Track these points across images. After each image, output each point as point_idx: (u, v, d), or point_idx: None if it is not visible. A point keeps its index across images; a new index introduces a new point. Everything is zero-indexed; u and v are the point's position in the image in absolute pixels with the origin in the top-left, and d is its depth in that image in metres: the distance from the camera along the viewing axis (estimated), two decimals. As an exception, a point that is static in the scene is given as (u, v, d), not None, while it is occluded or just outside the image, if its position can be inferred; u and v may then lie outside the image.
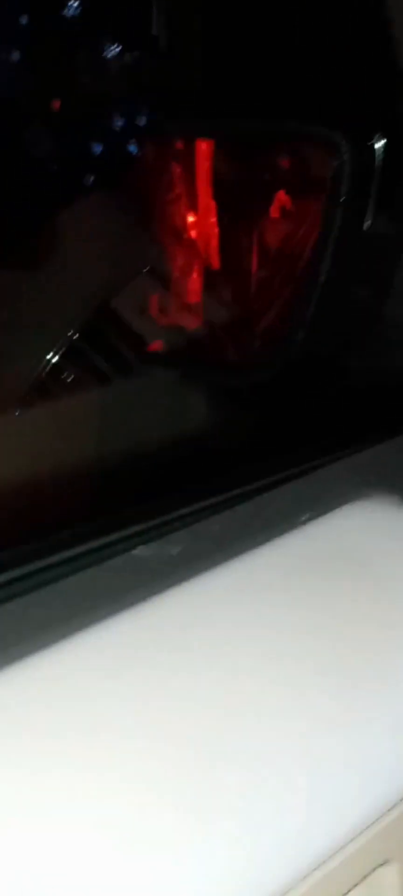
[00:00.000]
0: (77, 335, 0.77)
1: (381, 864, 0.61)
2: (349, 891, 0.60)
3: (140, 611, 0.58)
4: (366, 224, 0.86)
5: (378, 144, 0.86)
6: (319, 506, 0.71)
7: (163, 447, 0.71)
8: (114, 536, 0.61)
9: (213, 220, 0.88)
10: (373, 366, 0.87)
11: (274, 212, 0.89)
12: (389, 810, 0.61)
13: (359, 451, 0.76)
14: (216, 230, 0.89)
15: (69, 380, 0.74)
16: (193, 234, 0.88)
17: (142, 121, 0.85)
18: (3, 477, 0.63)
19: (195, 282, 0.90)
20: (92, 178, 0.81)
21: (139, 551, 0.61)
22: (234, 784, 0.52)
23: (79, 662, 0.54)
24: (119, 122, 0.83)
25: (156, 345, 0.86)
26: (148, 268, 0.86)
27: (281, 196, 0.88)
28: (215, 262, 0.89)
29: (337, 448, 0.76)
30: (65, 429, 0.68)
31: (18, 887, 0.44)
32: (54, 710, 0.51)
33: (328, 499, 0.71)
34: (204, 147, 0.87)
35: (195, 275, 0.89)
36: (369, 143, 0.85)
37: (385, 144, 0.86)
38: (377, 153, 0.86)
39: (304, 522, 0.68)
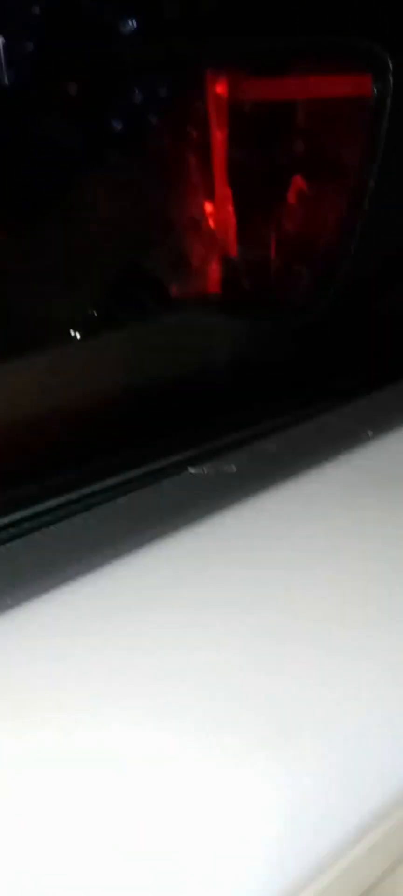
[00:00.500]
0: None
1: None
2: None
3: (198, 528, 0.53)
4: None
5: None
6: (383, 424, 0.66)
7: (213, 376, 0.68)
8: (169, 460, 0.57)
9: (247, 157, 0.85)
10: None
11: (312, 141, 0.85)
12: None
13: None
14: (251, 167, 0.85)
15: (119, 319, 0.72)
16: (223, 173, 0.85)
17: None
18: (75, 397, 0.61)
19: (231, 227, 0.86)
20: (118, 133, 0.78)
21: (195, 470, 0.57)
22: (321, 700, 0.47)
23: (142, 576, 0.51)
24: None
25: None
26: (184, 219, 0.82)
27: (321, 118, 0.84)
28: (253, 202, 0.86)
29: (394, 370, 0.72)
30: (118, 363, 0.65)
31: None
32: (125, 619, 0.48)
33: (391, 417, 0.67)
34: (231, 76, 0.83)
35: (230, 219, 0.86)
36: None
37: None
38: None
39: (368, 439, 0.64)
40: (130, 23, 0.73)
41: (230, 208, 0.84)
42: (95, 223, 0.77)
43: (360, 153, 0.81)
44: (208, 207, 0.85)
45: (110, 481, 0.55)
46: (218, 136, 0.84)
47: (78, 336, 0.68)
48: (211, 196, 0.86)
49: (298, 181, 0.84)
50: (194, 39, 0.80)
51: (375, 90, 0.80)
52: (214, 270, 0.86)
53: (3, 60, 0.67)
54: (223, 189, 0.86)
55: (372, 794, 0.48)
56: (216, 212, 0.85)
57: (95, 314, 0.71)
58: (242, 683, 0.46)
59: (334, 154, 0.84)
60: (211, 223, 0.84)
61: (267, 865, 0.42)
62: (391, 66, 0.79)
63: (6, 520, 0.52)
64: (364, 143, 0.80)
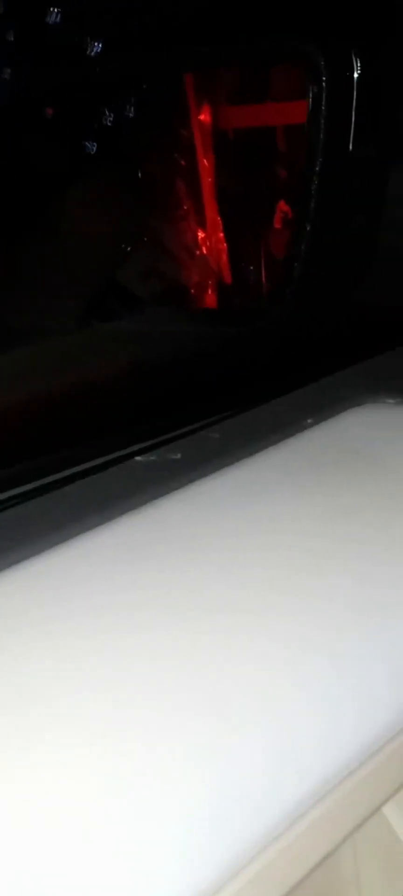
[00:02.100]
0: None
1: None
2: (388, 797, 0.56)
3: (142, 512, 0.54)
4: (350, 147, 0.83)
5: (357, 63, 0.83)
6: (322, 412, 0.67)
7: (160, 375, 0.69)
8: (119, 452, 0.58)
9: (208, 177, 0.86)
10: (371, 291, 0.85)
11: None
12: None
13: (359, 362, 0.73)
14: (210, 183, 0.86)
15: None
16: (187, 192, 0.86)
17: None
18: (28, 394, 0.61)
19: (194, 240, 0.87)
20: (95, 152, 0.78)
21: (142, 458, 0.57)
22: (255, 682, 0.47)
23: (86, 559, 0.51)
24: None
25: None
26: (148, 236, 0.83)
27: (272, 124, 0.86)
28: (211, 216, 0.86)
29: (337, 361, 0.73)
30: (75, 363, 0.66)
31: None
32: (61, 604, 0.48)
33: (331, 405, 0.68)
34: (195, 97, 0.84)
35: (195, 233, 0.87)
36: (348, 61, 0.83)
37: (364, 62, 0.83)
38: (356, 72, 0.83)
39: (308, 427, 0.65)
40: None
41: (195, 223, 0.85)
42: (71, 239, 0.77)
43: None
44: (180, 223, 0.85)
45: (59, 474, 0.55)
46: (187, 147, 0.85)
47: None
48: (180, 211, 0.87)
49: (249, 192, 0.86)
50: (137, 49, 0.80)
51: (311, 92, 0.81)
52: (181, 281, 0.87)
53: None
54: (189, 203, 0.86)
55: (310, 774, 0.48)
56: (187, 227, 0.86)
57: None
58: (179, 662, 0.46)
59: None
60: (182, 237, 0.85)
61: (201, 844, 0.42)
62: (324, 68, 0.80)
63: None
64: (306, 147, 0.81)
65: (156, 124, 0.82)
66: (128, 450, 0.58)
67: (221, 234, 0.87)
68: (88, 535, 0.52)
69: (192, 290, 0.85)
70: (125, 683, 0.45)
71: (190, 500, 0.56)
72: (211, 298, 0.85)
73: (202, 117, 0.87)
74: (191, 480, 0.58)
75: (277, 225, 0.88)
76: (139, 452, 0.58)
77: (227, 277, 0.87)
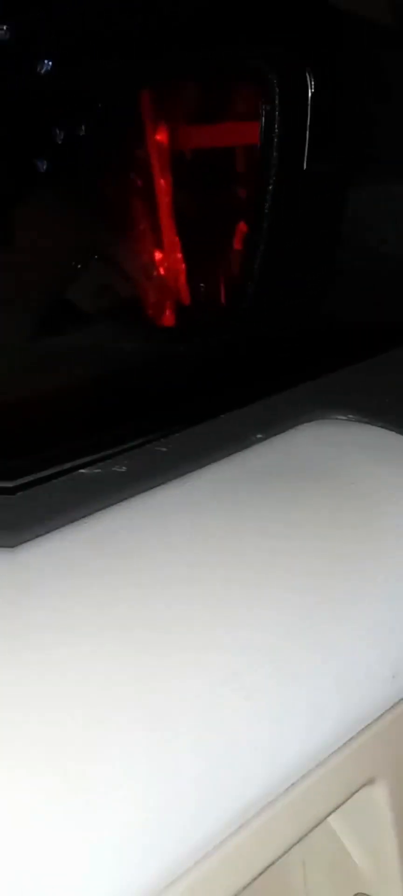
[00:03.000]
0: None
1: (368, 783, 0.57)
2: (334, 809, 0.55)
3: (84, 524, 0.54)
4: (304, 165, 0.84)
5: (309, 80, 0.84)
6: (272, 428, 0.67)
7: (104, 389, 0.69)
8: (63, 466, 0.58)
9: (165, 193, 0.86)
10: (323, 309, 0.85)
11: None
12: (369, 725, 0.57)
13: (311, 379, 0.73)
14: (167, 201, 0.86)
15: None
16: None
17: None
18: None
19: (150, 259, 0.87)
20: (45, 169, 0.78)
21: (86, 470, 0.57)
22: (194, 695, 0.47)
23: (33, 568, 0.51)
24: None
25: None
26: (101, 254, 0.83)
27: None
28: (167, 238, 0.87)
29: (289, 378, 0.73)
30: (19, 377, 0.66)
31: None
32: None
33: (281, 421, 0.68)
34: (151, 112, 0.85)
35: (151, 252, 0.87)
36: (300, 79, 0.83)
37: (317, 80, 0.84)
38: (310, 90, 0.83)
39: (257, 441, 0.65)
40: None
41: (151, 242, 0.85)
42: (20, 255, 0.77)
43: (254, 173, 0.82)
44: (135, 242, 0.86)
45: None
46: (143, 166, 0.85)
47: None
48: (135, 230, 0.87)
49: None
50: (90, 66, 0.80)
51: (264, 112, 0.81)
52: (134, 299, 0.87)
53: None
54: (144, 222, 0.87)
55: (252, 783, 0.48)
56: (142, 246, 0.86)
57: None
58: (117, 676, 0.46)
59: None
60: (137, 256, 0.85)
61: (141, 855, 0.42)
62: (276, 86, 0.80)
63: None
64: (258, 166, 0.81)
65: (110, 142, 0.82)
66: (73, 463, 0.57)
67: (179, 255, 0.87)
68: (25, 546, 0.52)
69: (147, 309, 0.85)
70: (61, 697, 0.45)
71: (132, 513, 0.56)
72: (167, 318, 0.85)
73: (159, 137, 0.87)
74: (136, 493, 0.57)
75: (237, 246, 0.88)
76: (84, 465, 0.58)
77: (185, 297, 0.87)
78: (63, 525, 0.53)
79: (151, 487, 0.58)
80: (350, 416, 0.72)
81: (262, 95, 0.81)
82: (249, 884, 0.50)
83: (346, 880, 0.59)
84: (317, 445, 0.68)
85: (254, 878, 0.50)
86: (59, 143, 0.74)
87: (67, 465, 0.57)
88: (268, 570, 0.55)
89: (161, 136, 0.87)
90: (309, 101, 0.84)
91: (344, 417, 0.72)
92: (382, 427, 0.71)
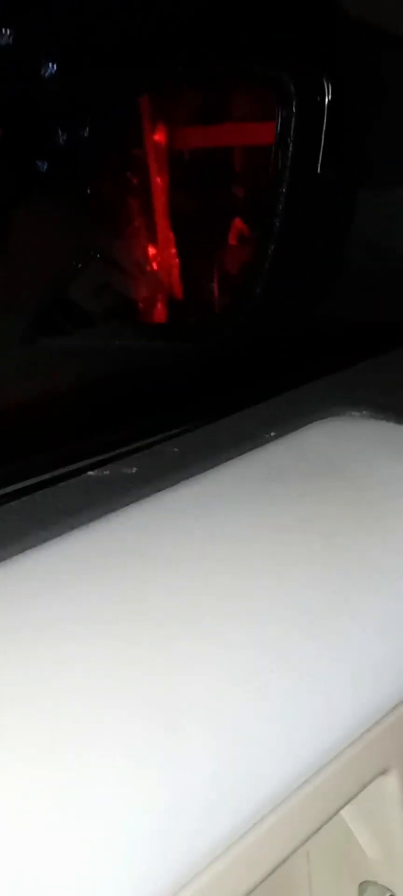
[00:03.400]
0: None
1: (380, 774, 0.57)
2: (346, 803, 0.55)
3: (91, 527, 0.54)
4: (318, 170, 0.84)
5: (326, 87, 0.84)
6: (286, 426, 0.67)
7: (111, 389, 0.69)
8: (66, 469, 0.58)
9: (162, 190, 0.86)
10: (335, 308, 0.85)
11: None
12: (383, 717, 0.56)
13: (323, 377, 0.73)
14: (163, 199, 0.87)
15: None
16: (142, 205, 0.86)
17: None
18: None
19: (146, 256, 0.87)
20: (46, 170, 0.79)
21: (94, 472, 0.58)
22: (205, 693, 0.47)
23: (31, 575, 0.51)
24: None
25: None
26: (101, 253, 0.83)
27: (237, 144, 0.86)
28: (167, 232, 0.87)
29: (301, 376, 0.73)
30: (23, 378, 0.66)
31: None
32: (5, 618, 0.48)
33: (294, 419, 0.68)
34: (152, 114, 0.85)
35: (146, 249, 0.87)
36: (317, 86, 0.84)
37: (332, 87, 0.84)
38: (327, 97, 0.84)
39: (271, 440, 0.65)
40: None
41: (147, 239, 0.86)
42: (20, 256, 0.78)
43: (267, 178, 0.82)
44: (132, 240, 0.86)
45: (4, 489, 0.55)
46: (140, 166, 0.85)
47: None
48: (132, 228, 0.87)
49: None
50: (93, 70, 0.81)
51: (280, 117, 0.81)
52: (134, 297, 0.88)
53: None
54: (140, 220, 0.87)
55: (264, 782, 0.48)
56: (139, 244, 0.86)
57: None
58: (128, 674, 0.46)
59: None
60: (134, 254, 0.86)
61: (153, 857, 0.42)
62: (294, 92, 0.81)
63: None
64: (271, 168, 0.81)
65: (112, 145, 0.83)
66: (79, 464, 0.58)
67: (174, 251, 0.88)
68: (33, 550, 0.52)
69: (145, 306, 0.85)
70: (73, 695, 0.45)
71: (143, 514, 0.56)
72: (163, 314, 0.85)
73: (157, 137, 0.88)
74: (146, 495, 0.58)
75: (232, 242, 0.89)
76: (92, 467, 0.58)
77: (180, 293, 0.87)
78: (69, 530, 0.54)
79: (163, 488, 0.59)
80: (365, 412, 0.72)
81: (279, 101, 0.82)
82: (261, 882, 0.50)
83: (351, 869, 0.58)
84: (332, 442, 0.67)
85: (267, 876, 0.50)
86: (62, 144, 0.75)
87: (73, 467, 0.58)
88: (281, 567, 0.55)
89: (159, 137, 0.88)
90: (326, 108, 0.84)
91: (359, 414, 0.72)
92: (397, 423, 0.71)
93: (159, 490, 0.59)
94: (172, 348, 0.76)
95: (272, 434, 0.66)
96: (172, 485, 0.59)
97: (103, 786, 0.42)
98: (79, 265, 0.77)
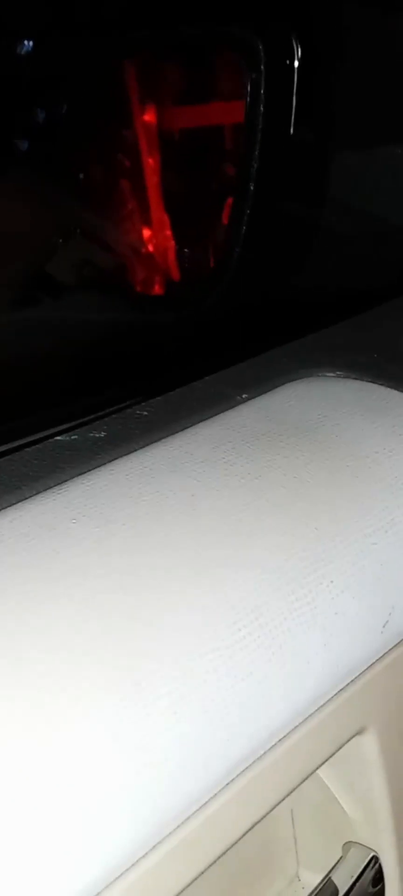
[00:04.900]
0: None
1: (358, 733, 0.56)
2: (322, 762, 0.55)
3: (62, 489, 0.53)
4: (290, 132, 0.84)
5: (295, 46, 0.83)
6: (258, 387, 0.67)
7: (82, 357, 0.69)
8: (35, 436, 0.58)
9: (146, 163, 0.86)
10: (312, 270, 0.85)
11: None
12: (358, 676, 0.56)
13: (295, 338, 0.73)
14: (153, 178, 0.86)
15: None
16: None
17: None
18: None
19: (130, 227, 0.87)
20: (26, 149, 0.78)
21: (62, 437, 0.57)
22: (175, 654, 0.47)
23: (4, 535, 0.51)
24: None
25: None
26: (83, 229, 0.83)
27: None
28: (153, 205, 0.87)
29: (277, 338, 0.73)
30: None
31: None
32: None
33: (266, 380, 0.67)
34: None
35: (139, 229, 0.87)
36: (286, 45, 0.83)
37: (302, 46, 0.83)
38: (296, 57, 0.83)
39: (243, 402, 0.64)
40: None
41: (139, 219, 0.85)
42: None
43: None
44: (122, 219, 0.86)
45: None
46: (128, 145, 0.85)
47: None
48: (122, 206, 0.87)
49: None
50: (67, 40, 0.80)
51: (250, 79, 0.81)
52: (119, 273, 0.87)
53: None
54: (132, 200, 0.87)
55: (236, 742, 0.48)
56: (130, 223, 0.86)
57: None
58: (91, 639, 0.46)
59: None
60: (124, 233, 0.85)
61: (123, 818, 0.42)
62: (262, 54, 0.80)
63: None
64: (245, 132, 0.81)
65: (93, 121, 0.82)
66: (48, 431, 0.57)
67: (168, 232, 0.87)
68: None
69: (125, 278, 0.85)
70: (35, 658, 0.45)
71: (110, 476, 0.56)
72: (149, 287, 0.85)
73: (146, 117, 0.87)
74: (115, 457, 0.57)
75: (226, 221, 0.88)
76: (60, 433, 0.58)
77: (174, 273, 0.87)
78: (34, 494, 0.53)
79: (132, 451, 0.58)
80: (339, 372, 0.71)
81: (248, 63, 0.81)
82: (237, 841, 0.49)
83: (336, 829, 0.58)
84: (304, 403, 0.67)
85: (242, 836, 0.50)
86: (41, 122, 0.74)
87: (41, 434, 0.57)
88: (251, 526, 0.55)
89: (149, 117, 0.87)
90: (295, 67, 0.83)
91: (333, 374, 0.71)
92: (371, 382, 0.70)
93: (128, 453, 0.58)
94: (144, 316, 0.76)
95: (244, 396, 0.66)
96: (141, 447, 0.59)
97: (66, 748, 0.42)
98: (61, 240, 0.76)
